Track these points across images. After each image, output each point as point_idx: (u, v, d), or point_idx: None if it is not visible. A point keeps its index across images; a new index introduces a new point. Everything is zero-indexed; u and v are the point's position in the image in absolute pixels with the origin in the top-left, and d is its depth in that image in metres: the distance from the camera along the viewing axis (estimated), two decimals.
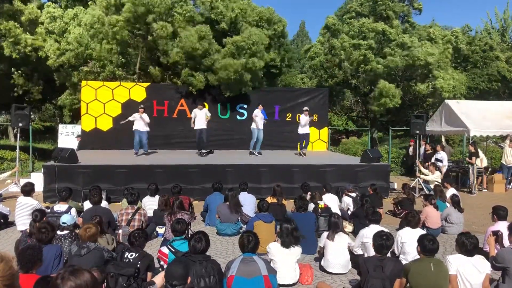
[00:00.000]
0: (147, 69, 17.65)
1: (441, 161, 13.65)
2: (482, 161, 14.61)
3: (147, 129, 13.52)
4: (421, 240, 4.84)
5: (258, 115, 13.99)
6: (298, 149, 14.59)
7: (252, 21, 16.78)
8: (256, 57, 15.27)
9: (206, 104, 16.81)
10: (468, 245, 4.75)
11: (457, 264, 4.71)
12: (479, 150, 14.78)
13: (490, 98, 22.41)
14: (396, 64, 18.91)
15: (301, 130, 14.23)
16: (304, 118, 14.15)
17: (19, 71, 19.21)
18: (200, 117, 13.74)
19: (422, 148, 15.37)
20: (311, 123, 15.03)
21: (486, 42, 25.56)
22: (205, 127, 13.86)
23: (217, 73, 15.04)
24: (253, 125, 14.06)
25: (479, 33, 31.89)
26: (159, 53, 16.03)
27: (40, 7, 18.97)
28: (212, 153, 14.61)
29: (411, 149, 16.57)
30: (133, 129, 13.41)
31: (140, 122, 13.33)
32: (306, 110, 14.32)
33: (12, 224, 8.36)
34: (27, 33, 18.03)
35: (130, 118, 13.44)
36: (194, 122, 13.84)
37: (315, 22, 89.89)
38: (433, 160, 13.77)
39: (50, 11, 16.98)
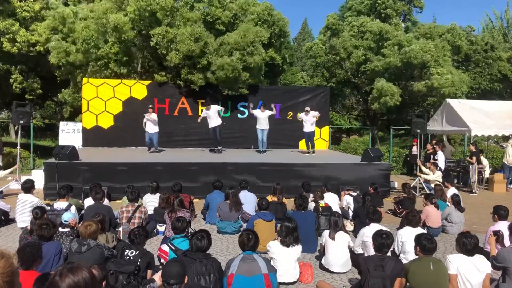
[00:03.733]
0: (149, 68, 17.65)
1: (436, 160, 13.65)
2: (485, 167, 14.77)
3: (156, 130, 13.51)
4: (418, 240, 4.84)
5: (257, 115, 14.02)
6: (305, 148, 14.56)
7: (251, 21, 16.74)
8: (252, 54, 15.24)
9: None
10: (468, 244, 4.75)
11: (457, 263, 4.71)
12: (482, 157, 14.79)
13: (492, 98, 22.37)
14: (395, 64, 18.87)
15: (304, 128, 14.18)
16: (304, 117, 14.11)
17: (18, 68, 19.21)
18: (213, 116, 13.60)
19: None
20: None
21: (487, 42, 25.51)
22: (219, 123, 13.68)
23: (215, 72, 15.05)
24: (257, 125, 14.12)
25: (480, 32, 31.84)
26: (161, 56, 16.05)
27: (45, 6, 18.94)
28: (220, 153, 14.55)
29: (414, 148, 16.56)
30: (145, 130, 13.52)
31: (149, 123, 13.41)
32: (307, 110, 14.25)
33: (12, 221, 8.37)
34: (27, 31, 18.02)
35: (144, 120, 13.50)
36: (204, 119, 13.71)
37: (318, 19, 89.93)
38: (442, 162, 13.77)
39: (59, 11, 16.83)
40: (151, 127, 13.47)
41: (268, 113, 13.99)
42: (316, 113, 14.23)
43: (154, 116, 13.44)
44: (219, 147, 14.08)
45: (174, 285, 3.63)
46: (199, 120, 13.81)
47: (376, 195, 9.46)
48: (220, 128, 13.76)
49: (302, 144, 14.31)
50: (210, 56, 15.14)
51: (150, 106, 13.83)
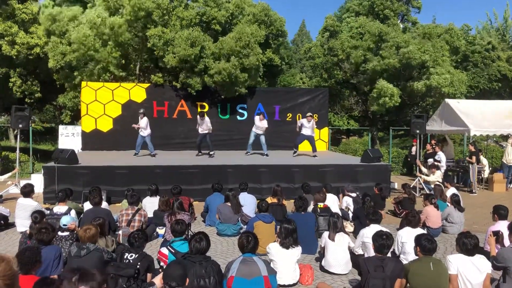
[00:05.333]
0: (148, 70, 17.66)
1: (439, 161, 13.64)
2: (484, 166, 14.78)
3: (149, 132, 13.52)
4: (418, 240, 4.83)
5: (258, 124, 14.00)
6: (305, 149, 14.52)
7: (248, 21, 16.75)
8: (248, 56, 15.24)
9: (206, 104, 16.83)
10: (468, 244, 4.74)
11: (458, 263, 4.70)
12: (481, 157, 14.79)
13: (491, 98, 22.40)
14: (394, 65, 18.89)
15: (304, 132, 14.04)
16: (305, 123, 13.98)
17: (17, 71, 19.22)
18: (203, 124, 13.71)
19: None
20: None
21: (489, 42, 25.53)
22: (208, 131, 13.83)
23: (213, 76, 15.07)
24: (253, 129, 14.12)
25: (478, 33, 31.92)
26: (158, 57, 16.06)
27: (39, 7, 18.98)
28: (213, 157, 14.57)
29: (413, 148, 16.55)
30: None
31: (142, 128, 13.45)
32: (310, 115, 14.11)
33: (12, 225, 8.35)
34: (26, 33, 18.05)
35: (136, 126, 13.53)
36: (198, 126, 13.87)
37: (316, 21, 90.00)
38: (443, 162, 13.77)
39: (50, 11, 16.89)
40: (145, 131, 13.50)
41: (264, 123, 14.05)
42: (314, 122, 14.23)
43: (145, 120, 13.46)
44: (212, 152, 14.10)
45: (176, 287, 3.63)
46: (198, 128, 13.87)
47: (379, 196, 9.46)
48: (209, 134, 13.84)
49: (304, 146, 14.26)
50: (207, 60, 15.15)
51: (141, 111, 13.80)
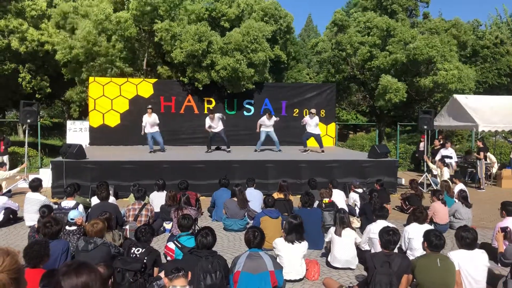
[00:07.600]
0: (155, 66, 17.71)
1: (450, 157, 13.54)
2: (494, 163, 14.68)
3: (157, 129, 13.38)
4: (427, 235, 4.81)
5: (263, 123, 13.86)
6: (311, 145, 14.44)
7: (257, 17, 16.73)
8: (256, 51, 15.18)
9: (212, 100, 16.82)
10: (467, 238, 4.77)
11: (459, 259, 4.71)
12: (489, 154, 14.66)
13: (500, 93, 22.18)
14: (401, 60, 18.74)
15: (310, 129, 13.95)
16: (308, 121, 13.88)
17: (26, 67, 19.33)
18: (215, 123, 13.42)
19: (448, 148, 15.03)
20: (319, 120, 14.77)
21: (497, 36, 25.26)
22: (222, 127, 13.57)
23: (218, 72, 15.06)
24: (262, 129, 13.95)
25: (488, 28, 31.61)
26: (164, 52, 16.09)
27: (50, 3, 19.05)
28: (219, 149, 14.61)
29: (421, 144, 16.44)
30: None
31: (148, 124, 13.24)
32: (312, 113, 13.98)
33: (21, 219, 8.44)
34: (37, 30, 18.15)
35: (143, 124, 13.25)
36: (209, 127, 13.38)
37: (323, 16, 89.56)
38: (439, 156, 13.64)
39: (63, 7, 16.90)
40: (152, 127, 13.31)
41: (273, 121, 13.90)
42: (317, 118, 14.10)
43: (154, 116, 13.29)
44: (228, 149, 13.97)
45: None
46: (207, 128, 13.45)
47: (383, 191, 9.42)
48: (224, 131, 13.68)
49: (310, 142, 14.20)
50: (214, 55, 15.15)
51: (150, 106, 13.66)
